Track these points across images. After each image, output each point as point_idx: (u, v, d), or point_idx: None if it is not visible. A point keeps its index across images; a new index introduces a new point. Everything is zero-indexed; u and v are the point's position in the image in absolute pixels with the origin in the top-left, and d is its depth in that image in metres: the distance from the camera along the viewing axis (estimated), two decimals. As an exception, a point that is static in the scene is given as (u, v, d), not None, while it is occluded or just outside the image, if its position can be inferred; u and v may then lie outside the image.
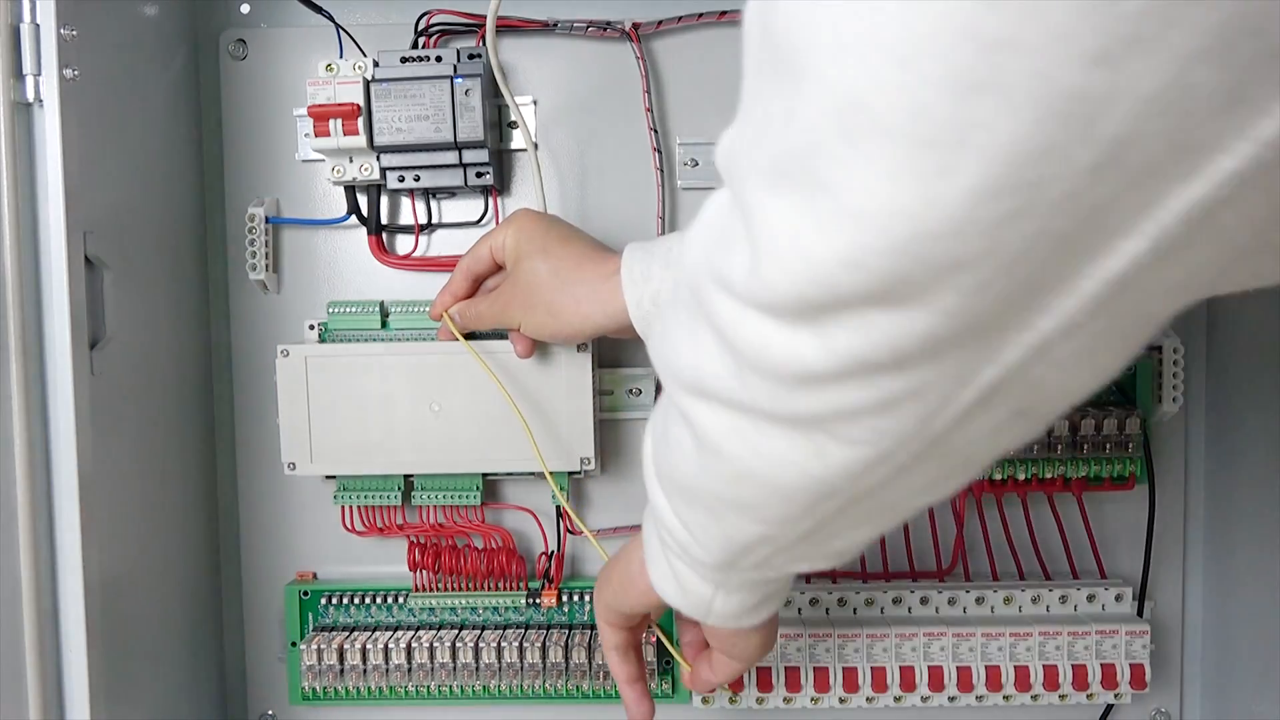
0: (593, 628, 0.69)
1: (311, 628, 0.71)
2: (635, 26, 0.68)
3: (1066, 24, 0.21)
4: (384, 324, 0.69)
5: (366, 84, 0.64)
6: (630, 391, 0.70)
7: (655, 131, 0.68)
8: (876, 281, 0.25)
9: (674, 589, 0.46)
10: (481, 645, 0.67)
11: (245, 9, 0.71)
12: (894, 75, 0.22)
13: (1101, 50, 0.21)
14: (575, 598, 0.70)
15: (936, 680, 0.66)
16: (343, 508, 0.70)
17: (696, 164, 0.70)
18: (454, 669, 0.68)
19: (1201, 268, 0.25)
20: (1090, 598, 0.69)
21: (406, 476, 0.69)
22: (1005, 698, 0.67)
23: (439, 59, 0.64)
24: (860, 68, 0.23)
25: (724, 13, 0.68)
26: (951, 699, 0.67)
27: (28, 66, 0.52)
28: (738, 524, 0.37)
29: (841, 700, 0.68)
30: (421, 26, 0.68)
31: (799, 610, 0.68)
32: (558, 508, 0.70)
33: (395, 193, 0.70)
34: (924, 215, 0.23)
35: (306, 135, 0.68)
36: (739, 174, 0.27)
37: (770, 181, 0.26)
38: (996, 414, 0.29)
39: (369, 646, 0.68)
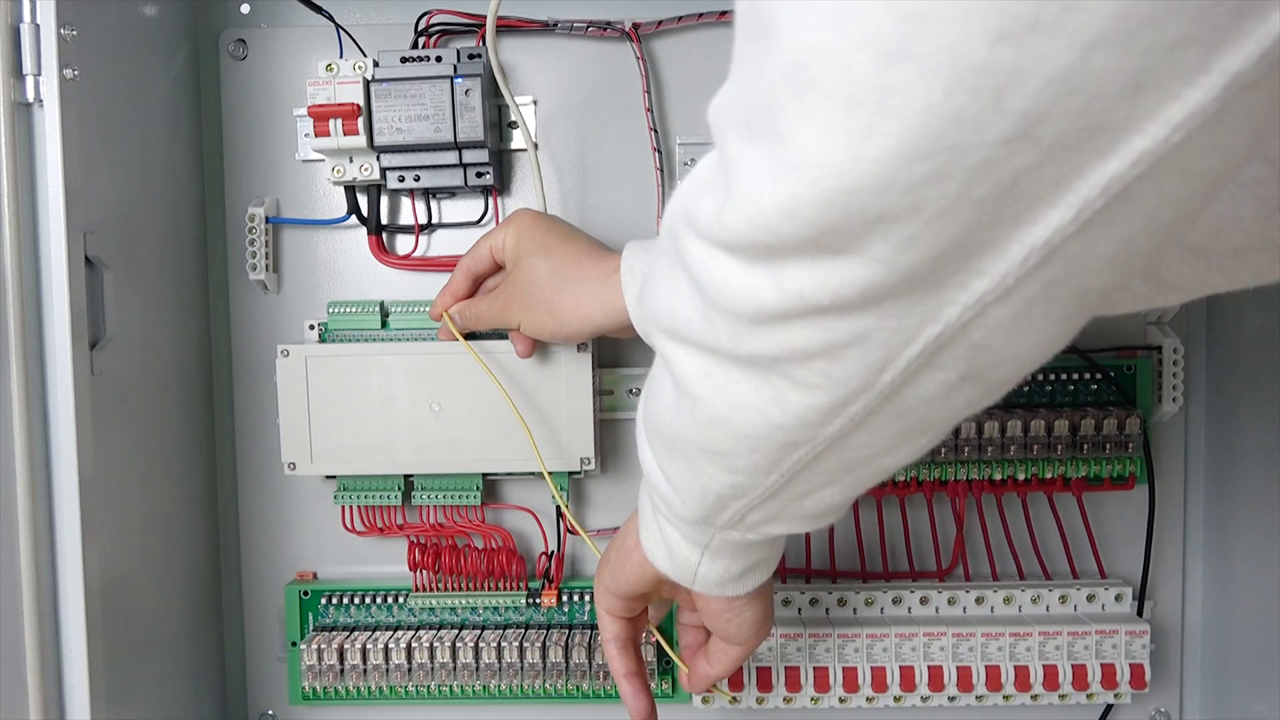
0: (593, 627, 0.69)
1: (311, 628, 0.71)
2: (635, 26, 0.68)
3: (971, 1, 0.22)
4: (384, 324, 0.69)
5: (366, 84, 0.64)
6: (630, 391, 0.70)
7: (655, 131, 0.68)
8: (811, 228, 0.26)
9: (663, 554, 0.48)
10: (481, 645, 0.67)
11: (245, 9, 0.71)
12: (830, 38, 0.24)
13: (1003, 28, 0.22)
14: (575, 598, 0.70)
15: (936, 680, 0.66)
16: (343, 508, 0.70)
17: (696, 164, 0.70)
18: (454, 669, 0.68)
19: (1130, 244, 0.26)
20: (1090, 598, 0.69)
21: (406, 476, 0.69)
22: (1005, 698, 0.67)
23: (439, 59, 0.64)
24: (807, 29, 0.24)
25: (724, 13, 0.68)
26: (951, 699, 0.67)
27: (28, 66, 0.52)
28: (711, 473, 0.39)
29: (841, 700, 0.68)
30: (421, 26, 0.68)
31: (799, 610, 0.68)
32: (558, 507, 0.70)
33: (395, 193, 0.70)
34: (851, 171, 0.25)
35: (306, 135, 0.68)
36: (723, 127, 0.29)
37: (744, 133, 0.28)
38: (945, 375, 0.30)
39: (369, 646, 0.68)
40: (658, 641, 0.66)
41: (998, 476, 0.68)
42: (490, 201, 0.70)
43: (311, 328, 0.69)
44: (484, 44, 0.66)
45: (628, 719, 0.57)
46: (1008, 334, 0.29)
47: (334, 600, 0.70)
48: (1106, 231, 0.26)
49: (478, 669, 0.68)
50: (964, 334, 0.29)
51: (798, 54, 0.25)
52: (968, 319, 0.28)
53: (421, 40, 0.68)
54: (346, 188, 0.69)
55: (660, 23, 0.68)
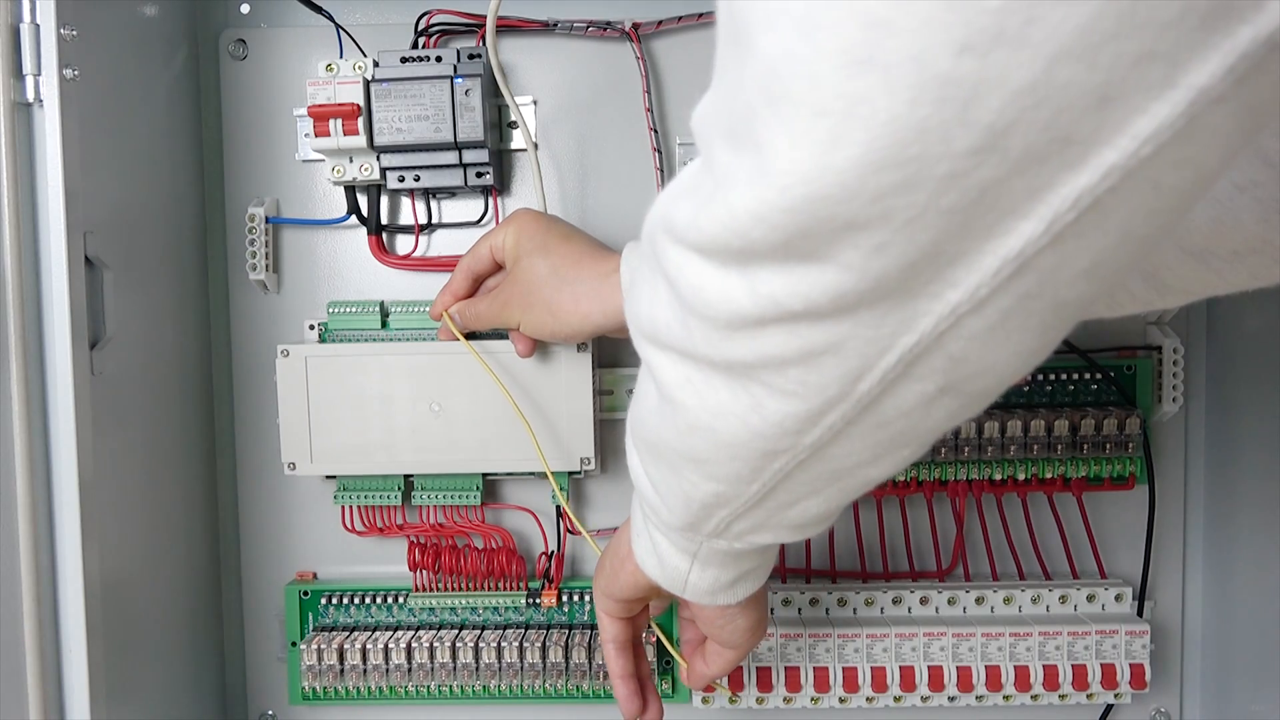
0: (593, 627, 0.69)
1: (311, 628, 0.71)
2: (635, 26, 0.68)
3: (935, 11, 0.22)
4: (384, 324, 0.69)
5: (366, 84, 0.64)
6: (630, 391, 0.70)
7: (655, 131, 0.68)
8: (780, 234, 0.27)
9: (654, 562, 0.48)
10: (481, 645, 0.67)
11: (245, 9, 0.71)
12: (799, 46, 0.24)
13: (967, 40, 0.22)
14: (575, 598, 0.70)
15: (936, 680, 0.66)
16: (343, 508, 0.70)
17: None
18: (454, 669, 0.68)
19: (1104, 257, 0.26)
20: (1090, 598, 0.69)
21: (406, 476, 0.69)
22: (1005, 698, 0.67)
23: (439, 59, 0.64)
24: (777, 38, 0.24)
25: (724, 13, 0.68)
26: (951, 699, 0.67)
27: (28, 66, 0.52)
28: (694, 480, 0.39)
29: (841, 700, 0.68)
30: (421, 26, 0.68)
31: (799, 610, 0.68)
32: (558, 507, 0.70)
33: (395, 193, 0.70)
34: (819, 179, 0.25)
35: (306, 135, 0.68)
36: (707, 136, 0.29)
37: (727, 141, 0.28)
38: (924, 387, 0.30)
39: (369, 646, 0.68)
40: (658, 639, 0.66)
41: (998, 476, 0.68)
42: (490, 201, 0.70)
43: (311, 328, 0.69)
44: (484, 44, 0.66)
45: None
46: (984, 346, 0.29)
47: (334, 600, 0.70)
48: (1079, 244, 0.26)
49: (478, 669, 0.68)
50: (940, 345, 0.29)
51: (770, 62, 0.25)
52: (943, 330, 0.28)
53: (421, 40, 0.68)
54: (346, 188, 0.69)
55: (660, 23, 0.68)
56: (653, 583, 0.49)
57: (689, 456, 0.38)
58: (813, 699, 0.68)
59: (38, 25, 0.52)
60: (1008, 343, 0.29)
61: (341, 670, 0.68)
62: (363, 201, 0.70)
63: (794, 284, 0.28)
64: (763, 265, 0.28)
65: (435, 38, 0.68)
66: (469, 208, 0.71)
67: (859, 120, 0.24)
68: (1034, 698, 0.67)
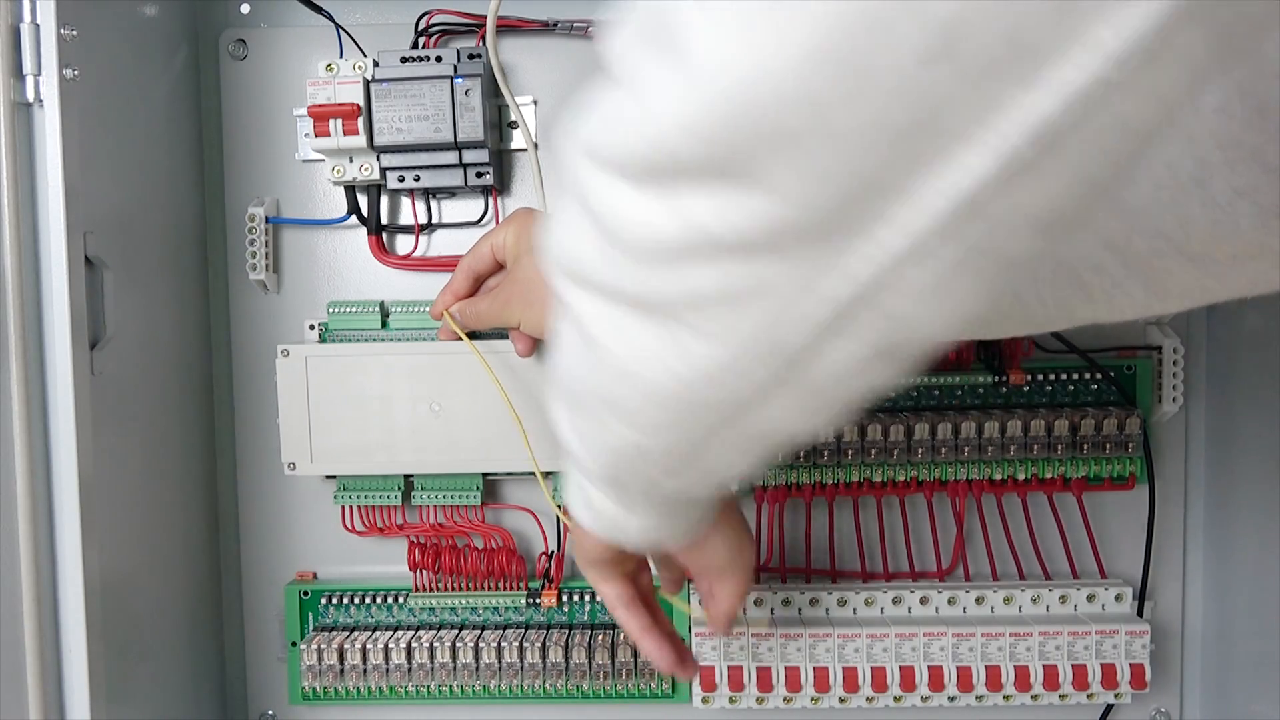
0: (593, 627, 0.69)
1: (311, 628, 0.71)
2: (635, 26, 0.68)
3: None
4: (384, 324, 0.69)
5: (366, 84, 0.64)
6: (630, 391, 0.70)
7: (655, 131, 0.68)
8: (708, 148, 0.25)
9: (589, 515, 0.47)
10: (481, 645, 0.67)
11: (245, 9, 0.71)
12: None
13: None
14: (575, 598, 0.70)
15: (936, 680, 0.66)
16: (343, 508, 0.70)
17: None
18: (454, 669, 0.68)
19: (1060, 202, 0.25)
20: (1090, 598, 0.69)
21: (406, 476, 0.69)
22: (1005, 698, 0.67)
23: (439, 59, 0.64)
24: None
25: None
26: (951, 699, 0.67)
27: (28, 66, 0.52)
28: (617, 430, 0.37)
29: (841, 700, 0.68)
30: (421, 26, 0.68)
31: (799, 610, 0.68)
32: (558, 507, 0.70)
33: (395, 193, 0.70)
34: (756, 82, 0.23)
35: (306, 135, 0.68)
36: (620, 51, 0.27)
37: (641, 45, 0.26)
38: (858, 348, 0.29)
39: (369, 646, 0.68)
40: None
41: (998, 476, 0.68)
42: (490, 201, 0.70)
43: (311, 328, 0.69)
44: (484, 44, 0.66)
45: (627, 719, 0.57)
46: (924, 303, 0.27)
47: (334, 600, 0.70)
48: (1032, 186, 0.24)
49: (478, 669, 0.68)
50: (878, 300, 0.27)
51: None
52: (883, 281, 0.26)
53: (421, 40, 0.68)
54: (346, 188, 0.69)
55: (660, 23, 0.68)
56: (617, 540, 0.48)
57: (611, 404, 0.36)
58: (813, 699, 0.68)
59: (38, 25, 0.52)
60: (950, 301, 0.27)
61: (341, 670, 0.68)
62: (363, 201, 0.70)
63: (721, 208, 0.26)
64: (688, 185, 0.26)
65: (435, 38, 0.68)
66: (469, 208, 0.71)
67: (804, 12, 0.22)
68: (1034, 698, 0.67)
